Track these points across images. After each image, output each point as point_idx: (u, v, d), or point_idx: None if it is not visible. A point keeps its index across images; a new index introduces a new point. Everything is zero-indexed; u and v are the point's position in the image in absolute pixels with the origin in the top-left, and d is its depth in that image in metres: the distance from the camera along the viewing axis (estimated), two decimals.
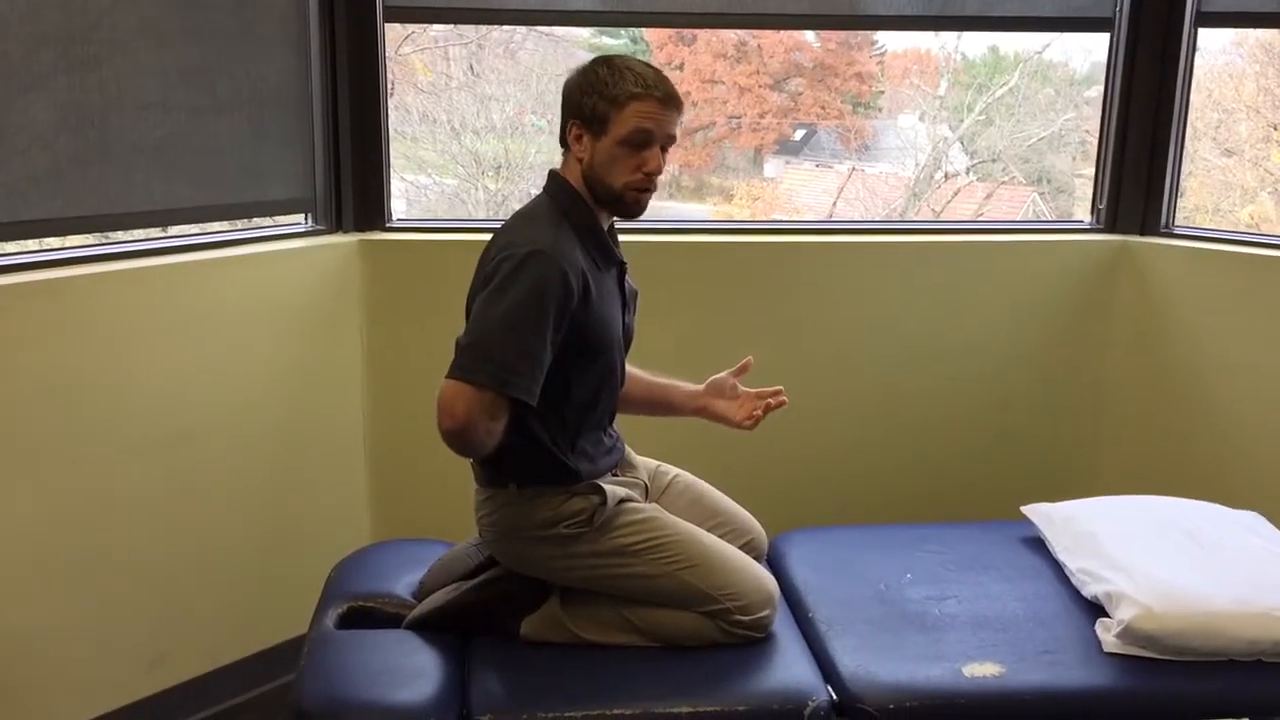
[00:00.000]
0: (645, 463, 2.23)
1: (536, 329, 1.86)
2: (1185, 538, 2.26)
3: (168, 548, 2.52)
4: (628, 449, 2.20)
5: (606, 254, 2.04)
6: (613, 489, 2.02)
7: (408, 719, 1.81)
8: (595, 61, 1.99)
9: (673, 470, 2.26)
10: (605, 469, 2.07)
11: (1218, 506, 2.44)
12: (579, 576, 2.02)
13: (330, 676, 1.91)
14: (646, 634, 2.02)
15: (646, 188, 2.00)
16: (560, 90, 2.02)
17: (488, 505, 2.03)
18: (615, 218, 2.06)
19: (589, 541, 1.99)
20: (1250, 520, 2.40)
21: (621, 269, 2.09)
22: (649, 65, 2.00)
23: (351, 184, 2.80)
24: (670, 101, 1.97)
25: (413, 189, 5.91)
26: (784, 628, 2.09)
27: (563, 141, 2.04)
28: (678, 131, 2.02)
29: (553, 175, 2.05)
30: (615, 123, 1.96)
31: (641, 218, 2.07)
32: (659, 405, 2.29)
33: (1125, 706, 1.96)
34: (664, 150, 2.00)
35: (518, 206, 2.07)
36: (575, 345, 1.94)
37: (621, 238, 2.11)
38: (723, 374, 2.27)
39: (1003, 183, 6.43)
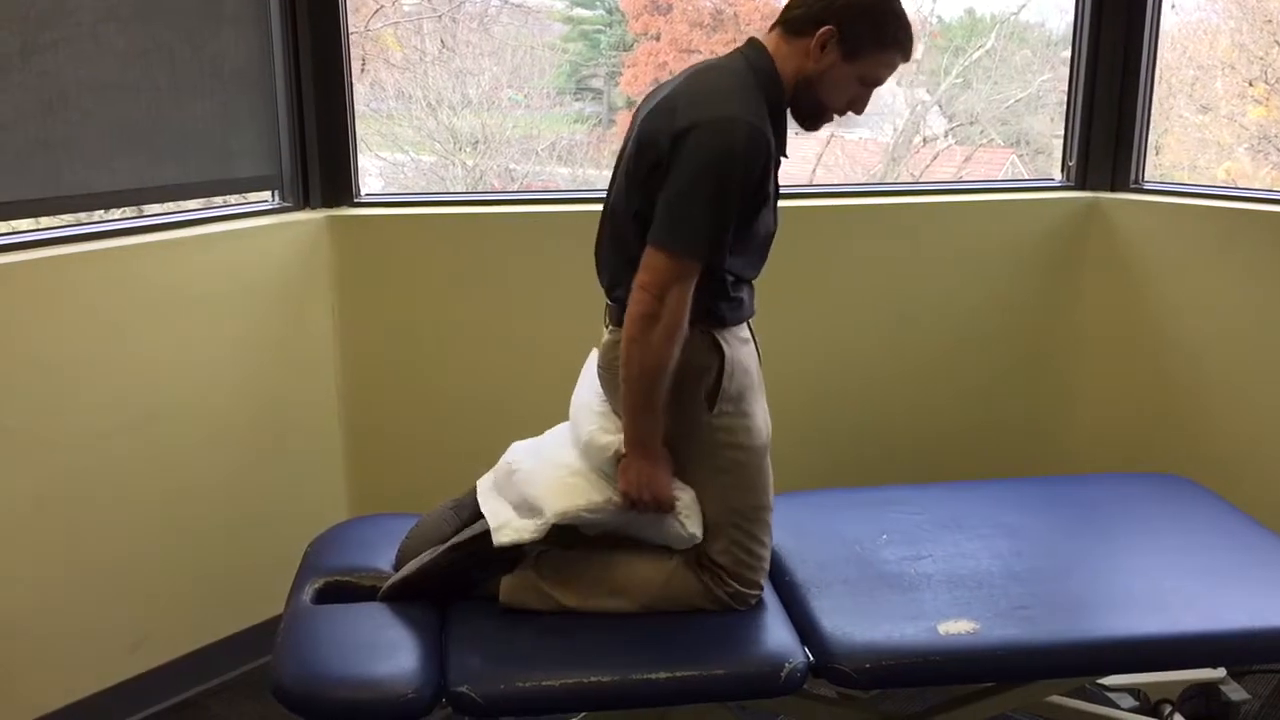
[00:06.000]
0: None
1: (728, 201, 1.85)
2: None
3: (145, 529, 2.52)
4: None
5: (781, 142, 2.00)
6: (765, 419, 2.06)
7: (386, 691, 1.80)
8: None
9: None
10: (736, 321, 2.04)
11: None
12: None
13: (308, 652, 1.91)
14: (625, 595, 1.99)
15: (838, 119, 2.02)
16: None
17: (618, 349, 1.98)
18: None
19: (692, 418, 1.97)
20: None
21: (779, 162, 2.03)
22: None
23: (318, 160, 2.78)
24: (907, 61, 1.99)
25: (390, 167, 5.86)
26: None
27: (797, 27, 1.94)
28: None
29: (761, 51, 1.96)
30: (870, 61, 1.95)
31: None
32: None
33: (1101, 657, 1.98)
34: None
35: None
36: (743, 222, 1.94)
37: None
38: None
39: (981, 145, 6.40)
